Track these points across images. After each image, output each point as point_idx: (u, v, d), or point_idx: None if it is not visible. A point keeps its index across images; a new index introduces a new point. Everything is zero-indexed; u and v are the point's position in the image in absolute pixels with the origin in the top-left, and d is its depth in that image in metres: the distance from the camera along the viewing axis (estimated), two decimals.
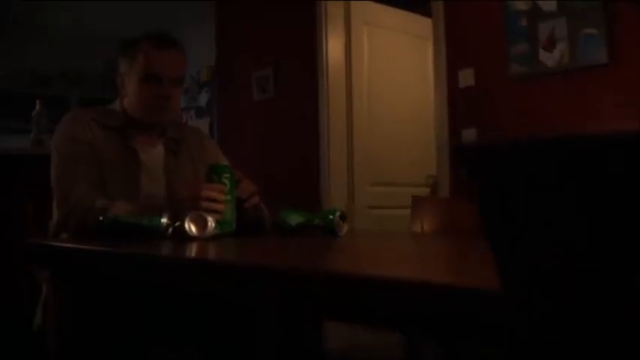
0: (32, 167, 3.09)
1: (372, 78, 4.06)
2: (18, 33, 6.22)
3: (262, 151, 4.24)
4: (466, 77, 3.10)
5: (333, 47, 3.90)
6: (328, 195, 3.79)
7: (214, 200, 1.53)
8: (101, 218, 1.52)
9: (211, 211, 1.46)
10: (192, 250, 1.29)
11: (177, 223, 1.46)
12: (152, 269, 1.19)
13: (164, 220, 1.46)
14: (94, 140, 1.80)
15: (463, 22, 3.15)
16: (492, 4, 3.02)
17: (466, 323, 0.62)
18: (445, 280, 0.73)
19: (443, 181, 3.15)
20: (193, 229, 1.37)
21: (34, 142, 3.45)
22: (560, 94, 2.76)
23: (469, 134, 3.06)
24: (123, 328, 1.67)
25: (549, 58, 2.78)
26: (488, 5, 3.04)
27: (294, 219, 1.48)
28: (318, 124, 3.87)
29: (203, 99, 5.70)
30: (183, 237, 1.40)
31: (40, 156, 3.21)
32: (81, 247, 1.48)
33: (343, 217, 1.45)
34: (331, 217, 1.43)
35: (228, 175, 1.60)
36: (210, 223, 1.37)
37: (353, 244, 1.47)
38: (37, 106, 3.51)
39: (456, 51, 3.17)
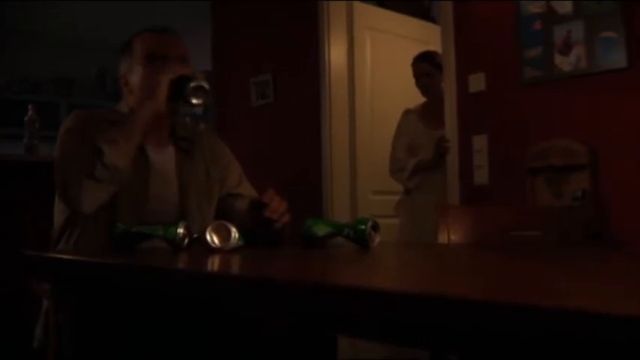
0: (26, 173, 2.99)
1: (375, 83, 3.98)
2: (8, 38, 6.10)
3: (261, 159, 4.12)
4: (477, 82, 3.01)
5: (336, 52, 3.81)
6: (330, 204, 3.68)
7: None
8: (111, 229, 1.41)
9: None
10: (212, 262, 1.18)
11: (195, 235, 1.36)
12: (161, 282, 1.08)
13: (180, 231, 1.35)
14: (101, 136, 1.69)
15: (473, 25, 3.07)
16: (504, 6, 2.93)
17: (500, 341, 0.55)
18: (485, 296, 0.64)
19: (453, 188, 3.06)
20: (215, 240, 1.26)
21: (27, 147, 3.34)
22: (577, 99, 2.67)
23: (480, 141, 2.97)
24: (127, 345, 1.56)
25: (565, 62, 2.70)
26: (499, 7, 2.96)
27: (321, 229, 1.38)
28: (320, 130, 3.77)
29: None
30: (203, 248, 1.29)
31: (33, 162, 3.11)
32: (84, 259, 1.37)
33: (375, 228, 1.34)
34: (362, 227, 1.32)
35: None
36: (234, 234, 1.26)
37: (383, 256, 1.37)
38: (30, 111, 3.40)
39: (465, 55, 3.08)
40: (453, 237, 1.71)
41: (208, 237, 1.26)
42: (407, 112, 3.55)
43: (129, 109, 1.76)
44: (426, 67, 3.46)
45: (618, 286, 0.79)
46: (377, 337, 0.76)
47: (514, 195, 2.83)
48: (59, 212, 1.76)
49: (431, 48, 3.92)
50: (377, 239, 1.35)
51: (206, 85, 1.59)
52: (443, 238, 1.73)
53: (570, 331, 0.50)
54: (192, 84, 1.56)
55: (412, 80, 3.58)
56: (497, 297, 0.64)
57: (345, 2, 3.87)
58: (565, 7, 2.71)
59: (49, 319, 1.78)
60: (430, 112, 3.44)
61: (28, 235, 1.93)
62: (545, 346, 0.51)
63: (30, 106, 3.41)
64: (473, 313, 0.57)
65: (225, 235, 1.27)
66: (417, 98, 3.59)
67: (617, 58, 2.55)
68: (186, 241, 1.36)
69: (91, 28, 5.98)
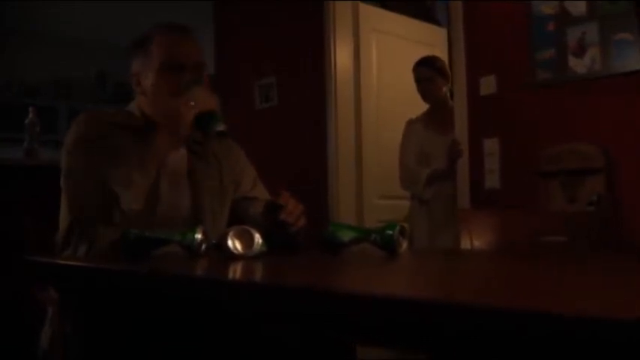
0: (26, 178, 2.92)
1: (381, 86, 3.92)
2: (6, 39, 6.03)
3: (265, 163, 4.03)
4: (488, 84, 2.96)
5: (341, 54, 3.75)
6: (336, 209, 3.62)
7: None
8: (124, 233, 1.35)
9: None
10: (234, 270, 1.12)
11: (214, 241, 1.29)
12: (179, 290, 1.02)
13: (198, 236, 1.28)
14: (111, 143, 1.62)
15: (483, 26, 3.02)
16: (514, 7, 2.88)
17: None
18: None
19: (463, 192, 3.00)
20: (238, 246, 1.20)
21: (27, 151, 3.27)
22: (592, 102, 2.62)
23: (492, 144, 2.92)
24: (138, 354, 1.50)
25: (579, 65, 2.65)
26: (509, 8, 2.91)
27: (346, 234, 1.32)
28: (326, 133, 3.71)
29: None
30: (224, 254, 1.23)
31: (34, 166, 3.05)
32: (94, 265, 1.31)
33: (403, 233, 1.28)
34: (390, 232, 1.26)
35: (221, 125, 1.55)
36: (258, 239, 1.20)
37: (411, 262, 1.31)
38: (30, 114, 3.33)
39: (476, 56, 3.03)
40: (475, 242, 1.66)
41: (230, 243, 1.20)
42: (411, 122, 3.47)
43: (139, 110, 1.70)
44: (426, 71, 3.39)
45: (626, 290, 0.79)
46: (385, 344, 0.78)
47: (526, 199, 2.77)
48: (64, 218, 1.69)
49: (436, 50, 3.88)
50: (404, 245, 1.29)
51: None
52: (465, 244, 1.68)
53: (570, 335, 0.50)
54: (218, 128, 1.56)
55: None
56: (500, 302, 0.64)
57: (350, 3, 3.82)
58: (579, 8, 2.66)
59: (55, 327, 1.71)
60: (436, 119, 3.37)
61: (29, 240, 1.87)
62: (545, 351, 0.51)
63: (30, 109, 3.35)
64: (475, 318, 0.57)
65: (247, 241, 1.20)
66: (423, 102, 3.54)
67: (633, 60, 2.50)
68: (204, 246, 1.30)
69: (90, 29, 5.92)
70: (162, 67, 1.63)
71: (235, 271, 1.08)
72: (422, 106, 3.54)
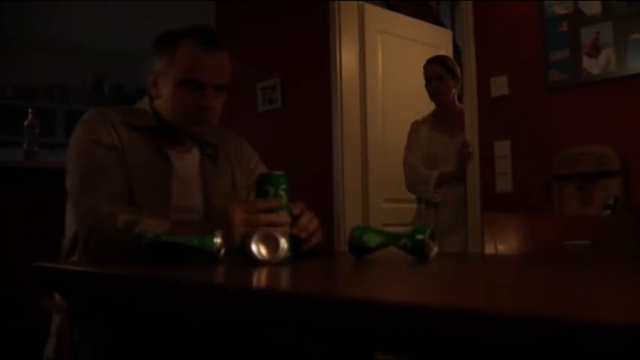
0: (26, 180, 2.86)
1: (387, 88, 3.87)
2: (5, 44, 5.97)
3: (268, 166, 3.98)
4: (499, 85, 2.90)
5: (347, 55, 3.70)
6: (342, 213, 3.56)
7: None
8: (137, 236, 1.28)
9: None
10: (258, 278, 1.05)
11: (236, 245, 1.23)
12: (193, 299, 0.96)
13: (217, 241, 1.22)
14: (120, 143, 1.55)
15: (494, 26, 2.96)
16: (526, 7, 2.83)
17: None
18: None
19: (474, 196, 2.94)
20: (263, 251, 1.13)
21: (27, 153, 3.20)
22: (607, 103, 2.57)
23: (503, 147, 2.87)
24: None
25: (594, 65, 2.60)
26: (521, 7, 2.85)
27: (373, 239, 1.25)
28: (331, 136, 3.65)
29: None
30: (248, 260, 1.16)
31: (33, 169, 2.98)
32: (103, 271, 1.24)
33: (433, 237, 1.22)
34: (420, 236, 1.20)
35: (285, 187, 1.37)
36: (283, 244, 1.13)
37: (442, 268, 1.24)
38: (30, 116, 3.25)
39: (487, 57, 2.97)
40: (500, 247, 1.60)
41: (254, 247, 1.13)
42: (416, 124, 3.40)
43: (152, 109, 1.64)
44: (437, 69, 3.31)
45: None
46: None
47: (540, 203, 2.72)
48: (70, 225, 1.62)
49: (442, 52, 3.82)
50: (435, 249, 1.23)
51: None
52: (490, 248, 1.62)
53: (572, 340, 0.50)
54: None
55: (424, 84, 3.46)
56: (507, 308, 0.63)
57: (356, 4, 3.78)
58: (593, 8, 2.61)
59: (62, 337, 1.64)
60: (442, 121, 3.29)
61: (30, 241, 1.81)
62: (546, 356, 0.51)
63: (30, 111, 3.27)
64: (476, 323, 0.57)
65: (272, 246, 1.13)
66: (429, 103, 3.48)
67: None
68: (223, 251, 1.23)
69: (88, 32, 5.86)
70: (182, 82, 1.55)
71: (252, 278, 1.02)
72: (428, 108, 3.48)
